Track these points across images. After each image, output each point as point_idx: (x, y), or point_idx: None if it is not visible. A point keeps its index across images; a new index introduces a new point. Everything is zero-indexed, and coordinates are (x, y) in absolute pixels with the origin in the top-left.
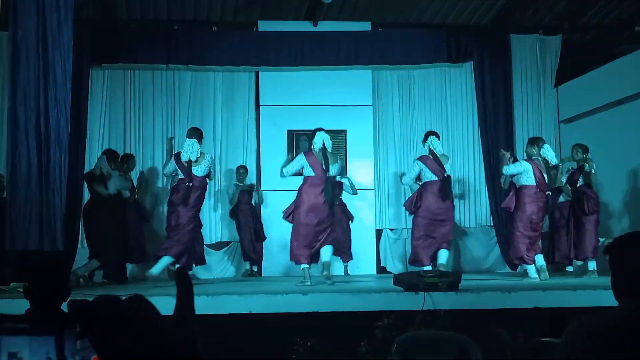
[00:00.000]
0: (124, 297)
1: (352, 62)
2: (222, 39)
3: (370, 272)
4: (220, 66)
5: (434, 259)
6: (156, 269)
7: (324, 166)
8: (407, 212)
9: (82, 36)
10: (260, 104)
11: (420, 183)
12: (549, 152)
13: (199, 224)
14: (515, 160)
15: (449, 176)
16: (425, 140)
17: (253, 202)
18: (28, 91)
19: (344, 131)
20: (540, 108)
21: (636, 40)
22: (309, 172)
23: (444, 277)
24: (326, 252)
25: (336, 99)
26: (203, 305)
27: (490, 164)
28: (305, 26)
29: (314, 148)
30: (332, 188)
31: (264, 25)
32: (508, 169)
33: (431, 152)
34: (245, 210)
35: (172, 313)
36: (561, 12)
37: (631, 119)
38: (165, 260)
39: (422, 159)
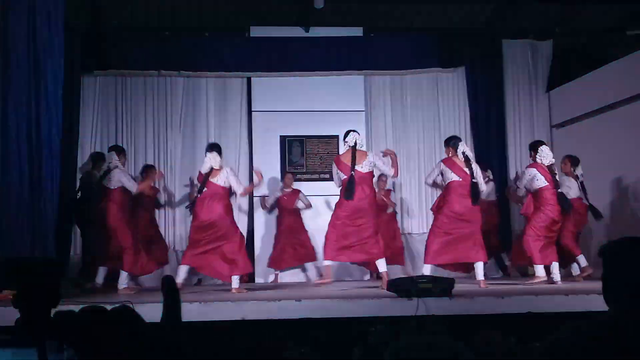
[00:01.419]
0: (110, 308)
1: (344, 68)
2: (213, 45)
3: (363, 278)
4: (212, 72)
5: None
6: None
7: (349, 165)
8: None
9: (74, 43)
10: (252, 109)
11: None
12: (544, 154)
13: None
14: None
15: (475, 181)
16: (457, 145)
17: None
18: (19, 99)
19: (337, 136)
20: (532, 113)
21: (627, 44)
22: (340, 175)
23: (437, 283)
24: (381, 263)
25: (328, 104)
26: (196, 312)
27: (483, 169)
28: (297, 32)
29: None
30: (354, 185)
31: (256, 31)
32: (519, 183)
33: (464, 155)
34: None
35: (159, 320)
36: (552, 17)
37: (623, 124)
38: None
39: (445, 161)
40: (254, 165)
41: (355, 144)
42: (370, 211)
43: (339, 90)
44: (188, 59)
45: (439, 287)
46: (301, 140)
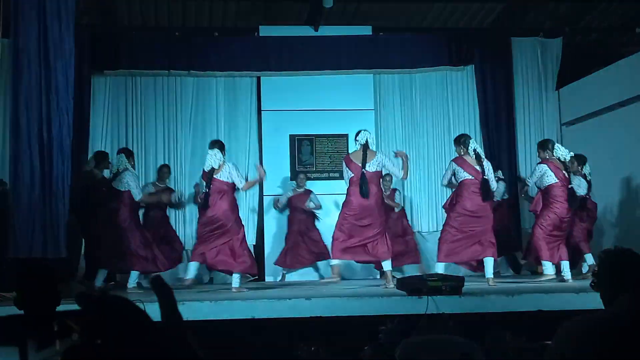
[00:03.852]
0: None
1: (353, 67)
2: (223, 45)
3: (373, 276)
4: (221, 72)
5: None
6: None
7: (360, 163)
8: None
9: (84, 44)
10: (262, 109)
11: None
12: (560, 150)
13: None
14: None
15: (486, 178)
16: (468, 143)
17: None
18: (30, 99)
19: (346, 135)
20: (541, 111)
21: (637, 42)
22: (349, 174)
23: (447, 281)
24: (386, 264)
25: (338, 103)
26: (206, 310)
27: (492, 167)
28: (306, 31)
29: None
30: (367, 183)
31: (265, 31)
32: (532, 179)
33: (476, 153)
34: None
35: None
36: (562, 14)
37: (633, 121)
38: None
39: (456, 160)
40: (263, 163)
41: (367, 142)
42: (376, 210)
43: (349, 89)
44: (198, 58)
45: (449, 285)
46: (311, 139)
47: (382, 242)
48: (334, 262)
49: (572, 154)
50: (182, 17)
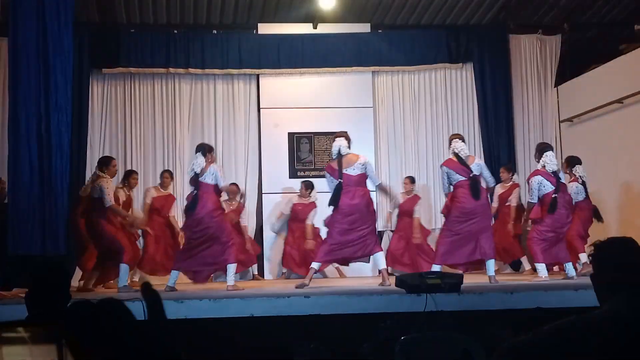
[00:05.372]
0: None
1: (352, 64)
2: (221, 43)
3: (372, 274)
4: (220, 69)
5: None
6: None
7: (338, 170)
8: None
9: (82, 41)
10: (260, 107)
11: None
12: (548, 160)
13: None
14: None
15: (475, 176)
16: (450, 144)
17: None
18: (29, 96)
19: (345, 133)
20: (540, 108)
21: (636, 39)
22: (334, 180)
23: (446, 279)
24: (379, 259)
25: (336, 101)
26: (205, 308)
27: (492, 165)
28: (305, 29)
29: (331, 157)
30: (338, 193)
31: (264, 28)
32: (532, 197)
33: (455, 154)
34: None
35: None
36: (560, 11)
37: (632, 118)
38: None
39: (445, 163)
40: (261, 161)
41: (340, 151)
42: (365, 211)
43: (347, 86)
44: (196, 56)
45: (448, 282)
46: (309, 137)
47: (373, 240)
48: (314, 265)
49: (556, 167)
50: (180, 15)
